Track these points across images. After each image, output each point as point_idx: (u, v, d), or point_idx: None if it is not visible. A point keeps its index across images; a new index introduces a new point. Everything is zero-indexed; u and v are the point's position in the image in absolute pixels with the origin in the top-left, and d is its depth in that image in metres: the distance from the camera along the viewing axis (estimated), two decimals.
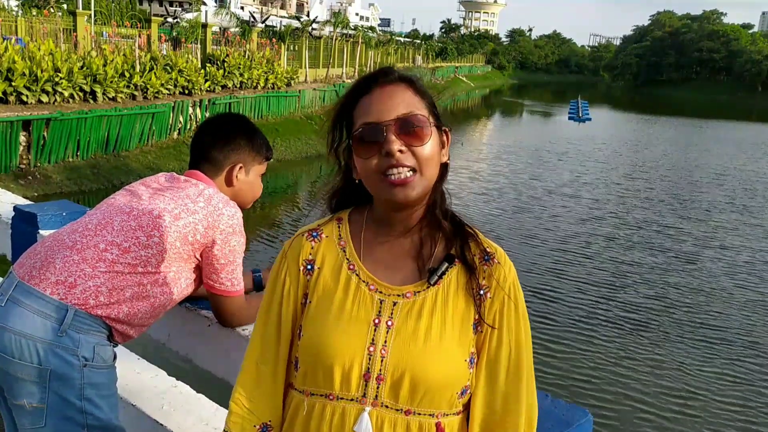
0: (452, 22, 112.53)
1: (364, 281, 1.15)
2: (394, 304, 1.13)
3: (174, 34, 24.57)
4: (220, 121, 2.01)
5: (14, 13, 19.45)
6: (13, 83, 12.29)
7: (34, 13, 18.71)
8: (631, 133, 33.27)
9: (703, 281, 9.66)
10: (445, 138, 1.16)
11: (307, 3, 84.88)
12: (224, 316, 1.89)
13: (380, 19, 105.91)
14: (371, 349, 1.09)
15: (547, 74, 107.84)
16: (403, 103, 1.11)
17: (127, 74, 15.00)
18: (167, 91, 16.13)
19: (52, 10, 19.61)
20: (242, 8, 43.85)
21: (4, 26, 15.66)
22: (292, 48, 26.06)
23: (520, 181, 17.17)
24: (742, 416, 5.96)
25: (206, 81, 17.88)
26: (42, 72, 12.76)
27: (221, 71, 18.73)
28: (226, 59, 19.22)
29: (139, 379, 2.32)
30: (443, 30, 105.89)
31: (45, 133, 12.38)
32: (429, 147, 1.10)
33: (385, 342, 1.09)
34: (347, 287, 1.15)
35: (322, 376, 1.11)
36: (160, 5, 48.68)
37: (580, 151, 23.90)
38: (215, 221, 1.79)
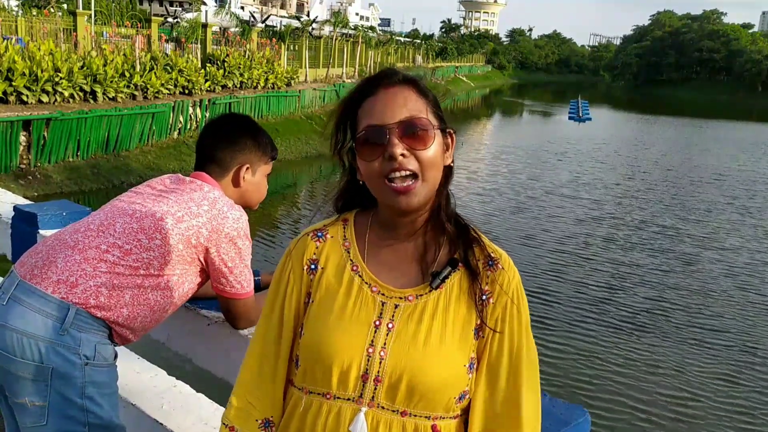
0: (452, 21, 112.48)
1: (366, 283, 1.15)
2: (396, 306, 1.13)
3: (174, 34, 24.54)
4: (226, 121, 2.01)
5: (14, 13, 19.44)
6: (14, 83, 12.29)
7: (35, 13, 18.71)
8: (631, 133, 33.25)
9: (703, 282, 9.63)
10: (449, 140, 1.16)
11: (307, 3, 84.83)
12: (235, 317, 1.89)
13: (380, 18, 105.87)
14: (370, 350, 1.09)
15: (547, 74, 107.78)
16: (407, 105, 1.10)
17: (127, 74, 15.00)
18: (167, 91, 16.13)
19: (52, 10, 19.62)
20: (242, 8, 43.80)
21: (4, 26, 15.66)
22: (292, 48, 26.05)
23: (519, 182, 17.14)
24: (741, 418, 5.94)
25: (206, 81, 17.88)
26: (42, 72, 12.77)
27: (221, 71, 18.73)
28: (226, 59, 19.22)
29: (138, 378, 2.33)
30: (443, 30, 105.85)
31: (45, 133, 12.39)
32: (432, 151, 1.10)
33: (385, 344, 1.10)
34: (350, 288, 1.15)
35: (320, 374, 1.12)
36: (160, 5, 48.66)
37: (580, 151, 23.88)
38: (220, 224, 1.79)
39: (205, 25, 20.49)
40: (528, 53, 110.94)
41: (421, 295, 1.14)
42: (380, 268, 1.17)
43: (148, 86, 15.52)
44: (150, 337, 2.11)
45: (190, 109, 16.56)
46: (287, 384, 1.21)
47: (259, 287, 2.07)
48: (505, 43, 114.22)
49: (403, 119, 1.09)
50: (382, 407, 1.09)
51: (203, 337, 2.04)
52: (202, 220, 1.78)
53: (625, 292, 9.01)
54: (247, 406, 1.20)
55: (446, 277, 1.14)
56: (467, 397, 1.14)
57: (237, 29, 24.60)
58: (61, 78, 13.15)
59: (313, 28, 29.31)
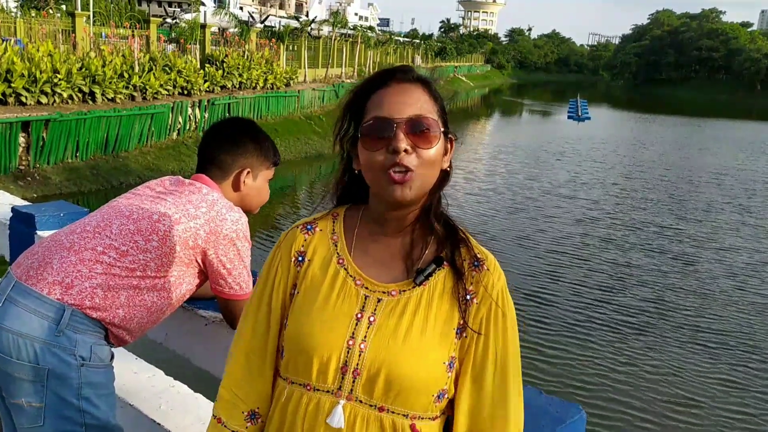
0: (451, 21, 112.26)
1: (351, 276, 1.17)
2: (379, 300, 1.14)
3: (173, 34, 24.56)
4: (229, 125, 2.01)
5: (13, 14, 19.44)
6: (12, 84, 12.29)
7: (33, 14, 18.70)
8: (630, 132, 33.26)
9: (702, 283, 9.61)
10: (449, 145, 1.18)
11: (306, 3, 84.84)
12: (234, 318, 1.89)
13: (379, 18, 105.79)
14: (351, 342, 1.11)
15: (546, 73, 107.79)
16: (417, 103, 1.12)
17: (126, 75, 15.01)
18: (166, 92, 16.13)
19: (50, 11, 19.62)
20: (241, 8, 43.82)
21: (3, 27, 15.68)
22: (291, 48, 26.05)
23: (517, 182, 17.15)
24: (740, 421, 5.92)
25: (205, 81, 17.88)
26: (41, 73, 12.77)
27: (220, 72, 18.73)
28: (225, 60, 19.22)
29: (136, 379, 2.33)
30: (442, 30, 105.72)
31: (44, 134, 12.39)
32: (434, 151, 1.11)
33: (365, 337, 1.11)
34: (334, 281, 1.17)
35: (302, 365, 1.13)
36: (159, 6, 48.64)
37: (578, 151, 23.88)
38: (218, 226, 1.79)
39: (203, 26, 20.49)
40: (527, 53, 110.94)
41: (404, 291, 1.15)
42: (366, 263, 1.18)
43: (147, 87, 15.52)
44: (148, 337, 2.12)
45: (189, 110, 16.56)
46: (276, 374, 1.23)
47: None
48: (504, 42, 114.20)
49: (412, 116, 1.10)
50: (360, 401, 1.10)
51: (201, 337, 2.04)
52: (200, 221, 1.78)
53: (623, 293, 8.99)
54: (234, 398, 1.23)
55: (430, 274, 1.15)
56: (446, 397, 1.14)
57: (236, 30, 24.60)
58: (59, 79, 13.15)
59: (312, 29, 29.31)
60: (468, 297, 1.15)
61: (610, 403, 6.04)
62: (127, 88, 14.95)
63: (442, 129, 1.14)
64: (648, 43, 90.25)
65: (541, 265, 9.96)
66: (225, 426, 1.23)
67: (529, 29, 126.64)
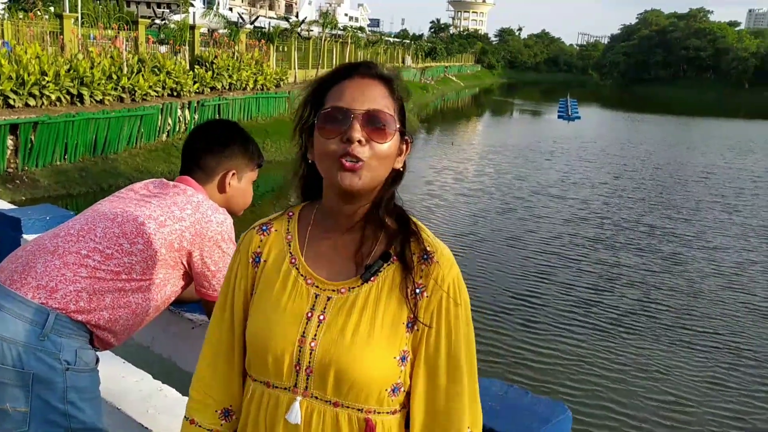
0: (441, 22, 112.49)
1: (302, 275, 1.18)
2: (329, 299, 1.16)
3: (161, 36, 24.45)
4: (213, 127, 2.01)
5: (0, 16, 19.28)
6: (0, 87, 12.21)
7: (21, 16, 18.56)
8: (620, 132, 33.44)
9: (690, 282, 9.65)
10: (404, 146, 1.18)
11: (295, 4, 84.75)
12: None
13: (369, 19, 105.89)
14: (301, 341, 1.13)
15: (536, 73, 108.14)
16: (377, 99, 1.13)
17: (114, 76, 14.94)
18: (155, 93, 16.08)
19: (38, 13, 19.46)
20: (230, 9, 43.72)
21: None
22: (281, 49, 26.03)
23: (506, 182, 17.18)
24: (727, 419, 5.95)
25: (195, 83, 17.83)
26: (29, 75, 12.70)
27: (210, 73, 18.68)
28: (214, 61, 19.18)
29: (124, 383, 2.33)
30: (432, 30, 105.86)
31: (32, 137, 12.32)
32: (387, 146, 1.12)
33: (315, 335, 1.12)
34: (286, 280, 1.19)
35: (260, 364, 1.16)
36: (148, 7, 48.48)
37: (568, 150, 23.97)
38: (203, 228, 1.79)
39: (193, 27, 20.42)
40: (517, 52, 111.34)
41: (353, 288, 1.16)
42: (318, 261, 1.19)
43: (136, 88, 15.45)
44: (134, 340, 2.11)
45: (179, 111, 16.50)
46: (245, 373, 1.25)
47: None
48: (494, 42, 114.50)
49: (370, 110, 1.11)
50: (316, 397, 1.12)
51: (188, 340, 2.03)
52: (185, 224, 1.78)
53: (612, 293, 9.02)
54: (205, 397, 1.26)
55: (377, 270, 1.15)
56: (402, 390, 1.15)
57: (225, 31, 24.55)
58: (47, 81, 13.08)
59: (301, 29, 29.29)
60: (417, 291, 1.15)
61: (597, 402, 6.05)
62: (115, 89, 14.88)
63: (399, 127, 1.15)
64: (636, 42, 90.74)
65: (530, 265, 9.98)
66: (199, 426, 1.25)
67: (519, 29, 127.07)
